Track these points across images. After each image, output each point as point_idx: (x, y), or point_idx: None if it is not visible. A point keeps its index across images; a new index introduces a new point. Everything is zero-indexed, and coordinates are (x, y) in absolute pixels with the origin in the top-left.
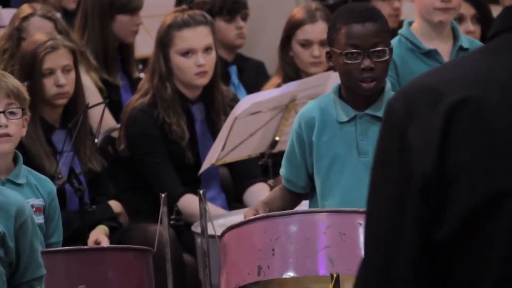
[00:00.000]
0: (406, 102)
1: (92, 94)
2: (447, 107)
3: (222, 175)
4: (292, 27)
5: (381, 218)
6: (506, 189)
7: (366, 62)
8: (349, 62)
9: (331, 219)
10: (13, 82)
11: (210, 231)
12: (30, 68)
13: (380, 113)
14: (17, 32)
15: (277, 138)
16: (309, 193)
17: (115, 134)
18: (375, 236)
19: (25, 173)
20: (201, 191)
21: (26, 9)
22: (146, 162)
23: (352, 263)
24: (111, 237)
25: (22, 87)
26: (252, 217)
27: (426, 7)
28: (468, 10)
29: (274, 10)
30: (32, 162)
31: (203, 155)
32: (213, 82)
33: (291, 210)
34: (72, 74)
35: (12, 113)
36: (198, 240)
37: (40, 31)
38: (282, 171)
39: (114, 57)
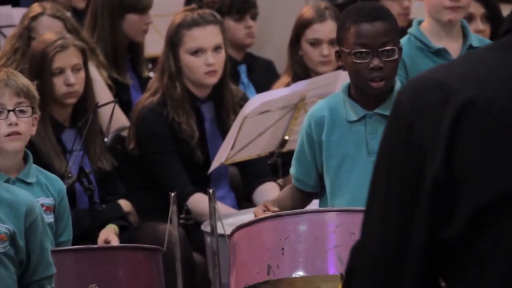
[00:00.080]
0: (415, 96)
1: (103, 90)
2: (456, 107)
3: (231, 174)
4: (301, 26)
5: (386, 216)
6: None
7: (375, 62)
8: (358, 61)
9: (341, 218)
10: (23, 80)
11: (220, 230)
12: (40, 67)
13: (389, 113)
14: (27, 32)
15: (286, 137)
16: (319, 192)
17: (125, 133)
18: (380, 236)
19: (35, 172)
20: (210, 190)
21: (36, 8)
22: (156, 161)
23: None
24: (121, 236)
25: (31, 86)
26: (262, 216)
27: (435, 6)
28: (477, 9)
29: (284, 9)
30: (42, 161)
31: (212, 154)
32: (222, 81)
33: (300, 210)
34: (82, 73)
35: (22, 111)
36: (208, 239)
37: (49, 30)
38: (292, 170)
39: (123, 56)
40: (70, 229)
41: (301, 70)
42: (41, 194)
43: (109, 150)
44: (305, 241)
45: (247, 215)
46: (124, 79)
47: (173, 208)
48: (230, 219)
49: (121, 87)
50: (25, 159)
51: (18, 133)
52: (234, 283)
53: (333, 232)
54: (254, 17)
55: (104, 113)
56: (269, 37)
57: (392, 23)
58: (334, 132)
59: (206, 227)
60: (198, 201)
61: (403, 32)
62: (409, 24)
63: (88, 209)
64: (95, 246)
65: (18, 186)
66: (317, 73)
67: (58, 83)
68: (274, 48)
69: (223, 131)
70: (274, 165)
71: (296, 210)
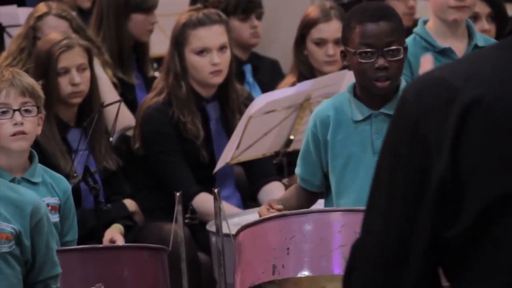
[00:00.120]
0: (420, 95)
1: (109, 88)
2: (461, 106)
3: (236, 174)
4: (306, 25)
5: (388, 215)
6: None
7: (381, 61)
8: (363, 61)
9: (346, 218)
10: (28, 80)
11: (225, 230)
12: (45, 67)
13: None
14: (33, 31)
15: (291, 137)
16: (325, 192)
17: (130, 133)
18: (381, 235)
19: (40, 171)
20: (215, 190)
21: (41, 8)
22: (161, 161)
23: None
24: (126, 235)
25: (37, 85)
26: (267, 216)
27: (441, 5)
28: (483, 9)
29: (289, 9)
30: (47, 161)
31: (217, 153)
32: (228, 81)
33: (306, 209)
34: (87, 73)
35: (27, 111)
36: (213, 239)
37: (54, 30)
38: (297, 170)
39: (129, 56)
40: (76, 228)
41: (306, 70)
42: (47, 194)
43: (115, 150)
44: (310, 241)
45: (252, 215)
46: (129, 78)
47: (178, 208)
48: (235, 218)
49: (127, 86)
50: (30, 158)
51: (23, 133)
52: (239, 283)
53: (338, 232)
54: (259, 17)
55: (111, 112)
56: (275, 37)
57: (397, 23)
58: (340, 131)
59: (211, 227)
60: (203, 200)
61: (408, 31)
62: (415, 23)
63: (93, 208)
64: (101, 245)
65: (24, 186)
66: (322, 73)
67: (63, 82)
68: (279, 48)
69: (229, 130)
70: (280, 164)
71: (302, 210)
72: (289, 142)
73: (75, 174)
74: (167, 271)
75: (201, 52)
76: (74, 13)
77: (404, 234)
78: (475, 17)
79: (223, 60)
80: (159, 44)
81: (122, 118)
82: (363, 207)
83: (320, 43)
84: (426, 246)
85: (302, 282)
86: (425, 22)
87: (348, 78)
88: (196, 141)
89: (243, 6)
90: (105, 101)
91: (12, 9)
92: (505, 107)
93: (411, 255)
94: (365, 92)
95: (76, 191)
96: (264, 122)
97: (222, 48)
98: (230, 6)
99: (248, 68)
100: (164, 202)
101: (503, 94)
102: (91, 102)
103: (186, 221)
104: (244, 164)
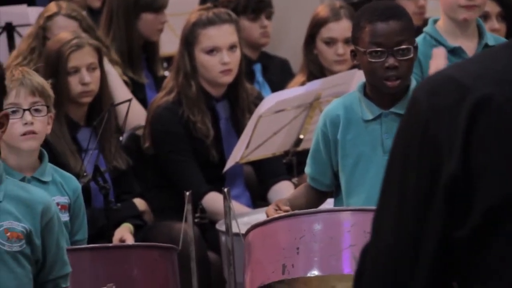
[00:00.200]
0: (430, 95)
1: (119, 84)
2: (471, 105)
3: (246, 173)
4: (316, 25)
5: (399, 216)
6: None
7: (391, 61)
8: (373, 60)
9: (356, 217)
10: (38, 79)
11: (235, 229)
12: (55, 67)
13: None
14: (42, 31)
15: (301, 136)
16: (334, 191)
17: (140, 132)
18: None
19: (50, 171)
20: (225, 189)
21: (52, 7)
22: (171, 160)
23: None
24: (136, 235)
25: (46, 85)
26: (277, 215)
27: (451, 4)
28: (493, 8)
29: (299, 8)
30: (57, 160)
31: (227, 153)
32: (237, 80)
33: (315, 209)
34: (97, 72)
35: (37, 110)
36: (223, 238)
37: (64, 30)
38: (307, 169)
39: (139, 56)
40: (85, 228)
41: (316, 69)
42: (56, 193)
43: (124, 149)
44: (320, 241)
45: (262, 214)
46: (139, 78)
47: (188, 207)
48: (245, 218)
49: (137, 86)
50: (40, 158)
51: (33, 132)
52: (249, 282)
53: (348, 231)
54: (269, 17)
55: (123, 109)
56: (284, 36)
57: (407, 22)
58: (350, 131)
59: (221, 226)
60: (213, 200)
61: (418, 31)
62: (425, 23)
63: (103, 208)
64: (110, 244)
65: (33, 185)
66: (332, 72)
67: (74, 82)
68: (289, 47)
69: (238, 130)
70: (289, 164)
71: (311, 210)
72: (298, 141)
73: (85, 173)
74: (177, 270)
75: (211, 51)
76: (84, 13)
77: (414, 234)
78: (485, 16)
79: (233, 60)
80: (169, 44)
81: (136, 115)
82: (373, 207)
83: (330, 42)
84: (436, 246)
85: (311, 281)
86: (435, 21)
87: (358, 77)
88: (205, 141)
89: (253, 6)
90: (115, 96)
91: (22, 8)
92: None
93: (421, 255)
94: (375, 91)
95: (86, 190)
96: (273, 121)
97: (232, 47)
98: (240, 5)
99: (258, 68)
100: (174, 201)
101: (511, 93)
102: (101, 101)
103: (196, 220)
104: (253, 164)
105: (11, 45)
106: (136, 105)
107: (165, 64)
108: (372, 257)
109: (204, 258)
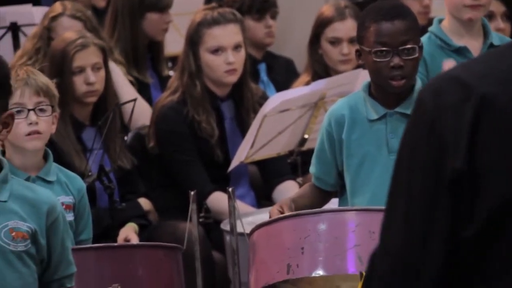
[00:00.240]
0: (436, 95)
1: (124, 82)
2: (475, 104)
3: (251, 173)
4: (321, 24)
5: (408, 217)
6: None
7: (396, 60)
8: (378, 60)
9: (360, 217)
10: (42, 79)
11: (239, 229)
12: (60, 66)
13: (410, 111)
14: (47, 32)
15: (306, 136)
16: (339, 191)
17: (144, 132)
18: (402, 237)
19: (55, 170)
20: (230, 189)
21: (57, 8)
22: (175, 160)
23: None
24: (141, 234)
25: (51, 84)
26: (281, 215)
27: (456, 4)
28: (498, 8)
29: (303, 8)
30: (62, 160)
31: (232, 152)
32: (242, 80)
33: (320, 209)
34: (102, 72)
35: (41, 110)
36: (227, 238)
37: (68, 31)
38: (312, 169)
39: (144, 55)
40: (90, 227)
41: (321, 69)
42: (61, 193)
43: (129, 149)
44: (325, 240)
45: (266, 214)
46: (144, 78)
47: (192, 207)
48: (250, 217)
49: (141, 86)
50: (45, 157)
51: (38, 132)
52: (253, 282)
53: (353, 231)
54: (274, 16)
55: (128, 108)
56: (289, 36)
57: (412, 22)
58: (355, 130)
59: (225, 226)
60: (218, 199)
61: (423, 30)
62: (430, 22)
63: (108, 207)
64: (115, 244)
65: (38, 185)
66: (337, 72)
67: (78, 82)
68: (294, 47)
69: (243, 129)
70: (294, 163)
71: (316, 209)
72: (303, 141)
73: (89, 173)
74: (182, 270)
75: (216, 51)
76: (89, 13)
77: (422, 235)
78: (490, 16)
79: (237, 59)
80: (173, 43)
81: (142, 114)
82: (378, 207)
83: (335, 42)
84: (443, 247)
85: (316, 281)
86: (440, 21)
87: (363, 77)
88: (210, 140)
89: (257, 6)
90: (121, 94)
91: (27, 8)
92: None
93: (429, 256)
94: (380, 91)
95: (90, 190)
96: (278, 121)
97: (237, 47)
98: (245, 5)
99: (262, 67)
100: (178, 201)
101: None
102: (106, 101)
103: (201, 220)
104: (258, 163)
105: (16, 45)
106: (142, 104)
107: (170, 64)
108: (381, 259)
109: (208, 257)
